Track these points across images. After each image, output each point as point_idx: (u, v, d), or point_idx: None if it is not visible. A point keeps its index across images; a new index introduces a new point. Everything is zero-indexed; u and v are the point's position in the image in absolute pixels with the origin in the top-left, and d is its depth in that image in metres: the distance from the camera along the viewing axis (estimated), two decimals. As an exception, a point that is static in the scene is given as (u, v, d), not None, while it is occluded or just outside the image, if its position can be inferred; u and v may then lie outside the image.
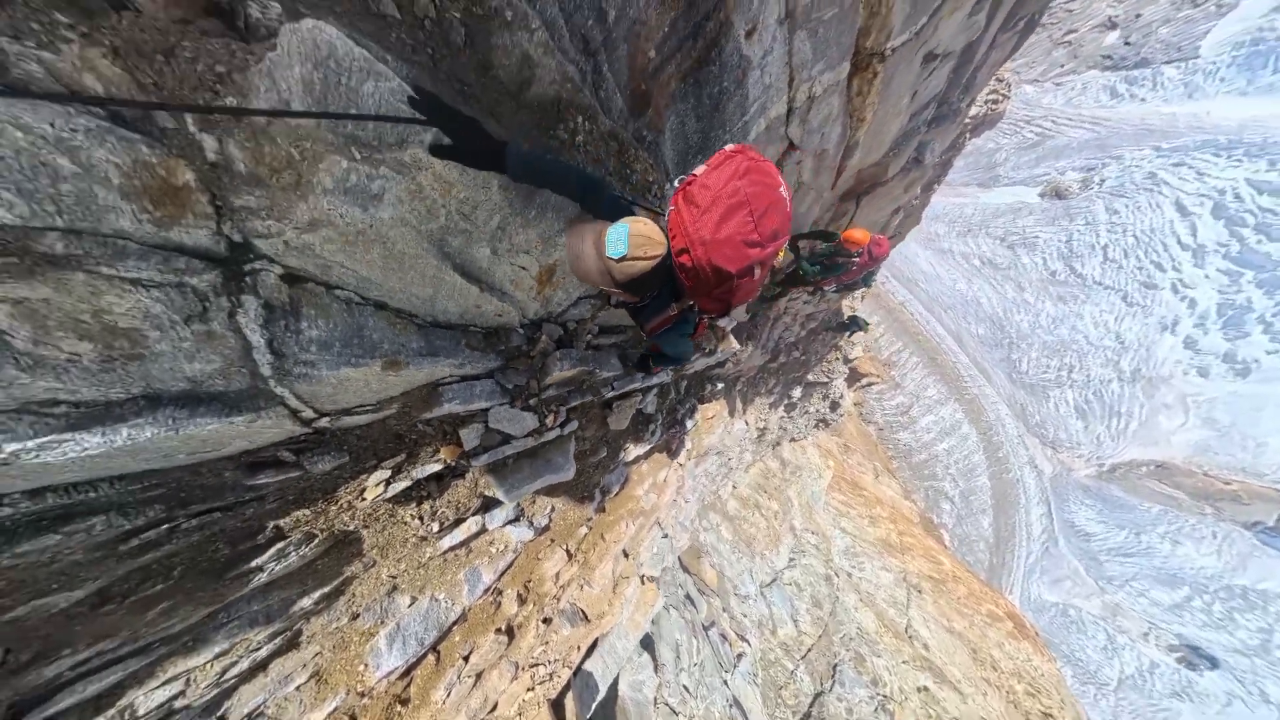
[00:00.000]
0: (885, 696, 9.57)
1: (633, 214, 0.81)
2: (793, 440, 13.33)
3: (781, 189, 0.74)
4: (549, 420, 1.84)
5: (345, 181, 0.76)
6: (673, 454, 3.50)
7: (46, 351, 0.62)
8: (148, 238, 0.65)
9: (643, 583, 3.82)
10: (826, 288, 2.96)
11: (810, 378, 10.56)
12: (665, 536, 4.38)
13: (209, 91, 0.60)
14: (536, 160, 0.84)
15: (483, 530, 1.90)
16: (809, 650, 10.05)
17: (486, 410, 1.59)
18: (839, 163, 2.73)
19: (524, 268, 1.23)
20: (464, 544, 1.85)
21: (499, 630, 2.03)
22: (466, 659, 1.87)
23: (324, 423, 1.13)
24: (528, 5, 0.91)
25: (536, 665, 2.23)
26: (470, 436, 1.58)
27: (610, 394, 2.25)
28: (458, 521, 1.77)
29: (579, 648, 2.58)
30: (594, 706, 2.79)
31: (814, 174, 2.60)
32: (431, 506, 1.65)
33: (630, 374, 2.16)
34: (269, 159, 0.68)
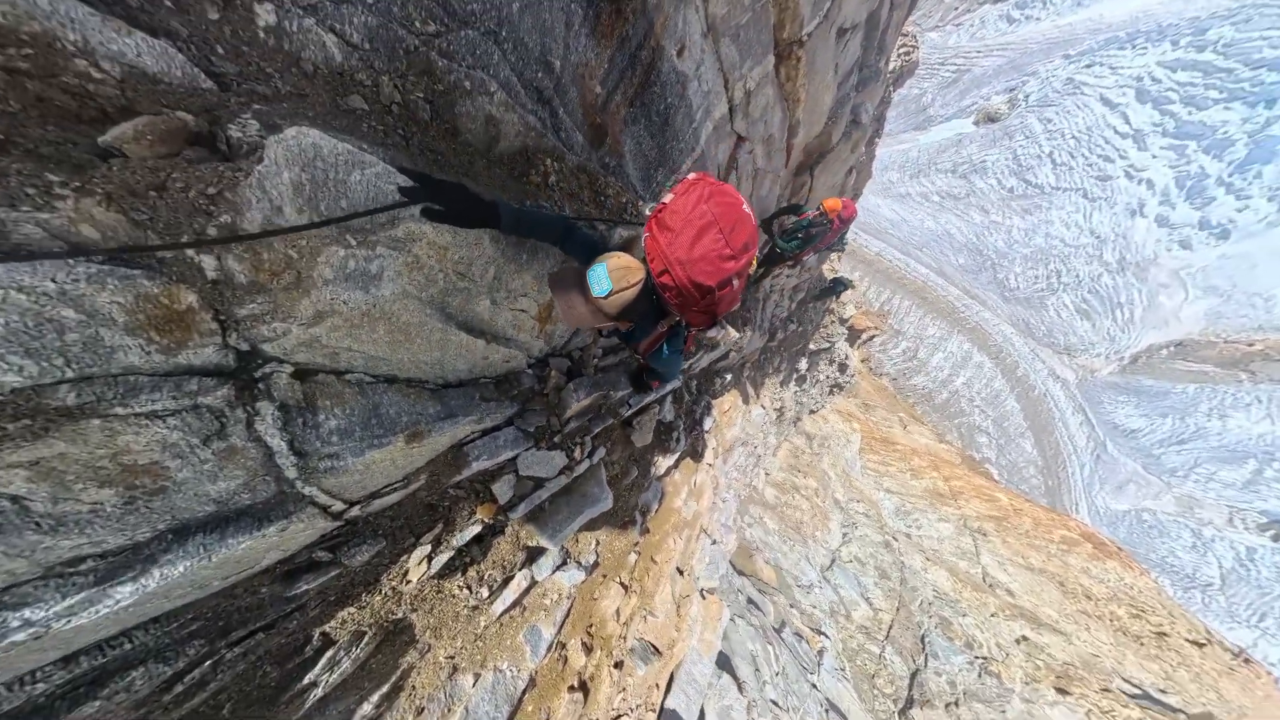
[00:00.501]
0: (984, 658, 8.94)
1: (606, 249, 0.87)
2: (812, 413, 13.14)
3: (744, 205, 0.81)
4: (577, 454, 1.80)
5: (344, 269, 0.78)
6: (698, 456, 3.42)
7: (68, 507, 0.60)
8: (157, 367, 0.65)
9: (704, 598, 3.62)
10: (806, 259, 3.04)
11: (812, 346, 10.56)
12: (714, 543, 4.20)
13: (203, 215, 0.62)
14: (524, 212, 0.88)
15: (533, 584, 1.81)
16: (890, 627, 9.47)
17: (514, 458, 1.55)
18: (787, 142, 2.96)
19: (523, 310, 1.25)
20: (517, 603, 1.76)
21: (572, 688, 1.90)
22: (546, 729, 1.74)
23: (355, 512, 1.09)
24: (483, 73, 0.98)
25: (619, 717, 2.07)
26: (503, 489, 1.53)
27: (628, 412, 2.23)
28: (506, 581, 1.69)
29: (657, 686, 2.41)
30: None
31: (767, 159, 2.80)
32: (478, 572, 1.58)
33: (639, 392, 2.14)
34: (268, 265, 0.69)
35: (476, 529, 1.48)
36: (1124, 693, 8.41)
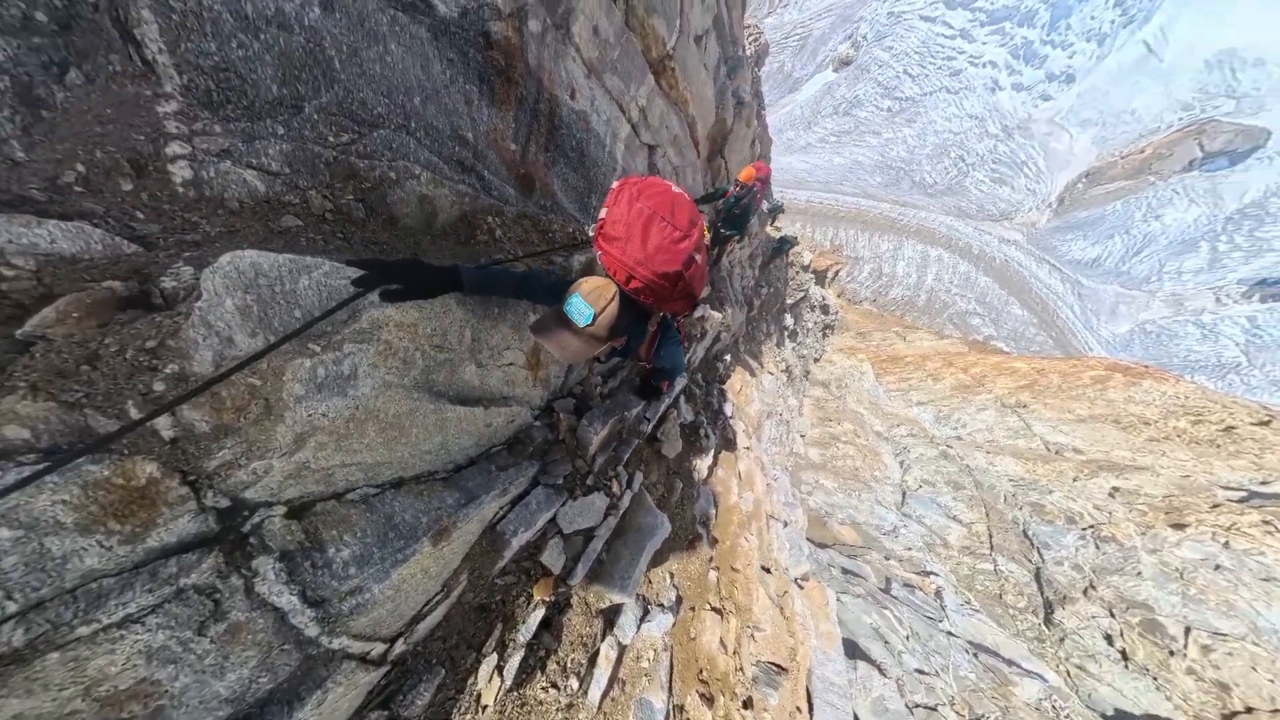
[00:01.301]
0: (1091, 526, 8.53)
1: (569, 283, 0.89)
2: (816, 361, 13.26)
3: (673, 188, 0.84)
4: (615, 488, 1.68)
5: (315, 380, 0.72)
6: (732, 445, 3.31)
7: None
8: (124, 562, 0.56)
9: (800, 587, 3.33)
10: (750, 231, 3.26)
11: (789, 301, 10.87)
12: (785, 525, 3.95)
13: (146, 371, 0.57)
14: (483, 270, 0.88)
15: (621, 651, 1.60)
16: (990, 537, 8.99)
17: (553, 518, 1.43)
18: (692, 137, 3.38)
19: (511, 364, 1.21)
20: (613, 680, 1.54)
21: (711, 752, 1.63)
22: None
23: (400, 647, 0.95)
24: (405, 161, 1.02)
25: None
26: (553, 556, 1.39)
27: (650, 426, 2.14)
28: (592, 660, 1.49)
29: (798, 709, 2.11)
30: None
31: (680, 156, 3.15)
32: (558, 662, 1.38)
33: (651, 400, 2.09)
34: (231, 402, 0.63)
35: (540, 613, 1.32)
36: (1231, 501, 8.17)
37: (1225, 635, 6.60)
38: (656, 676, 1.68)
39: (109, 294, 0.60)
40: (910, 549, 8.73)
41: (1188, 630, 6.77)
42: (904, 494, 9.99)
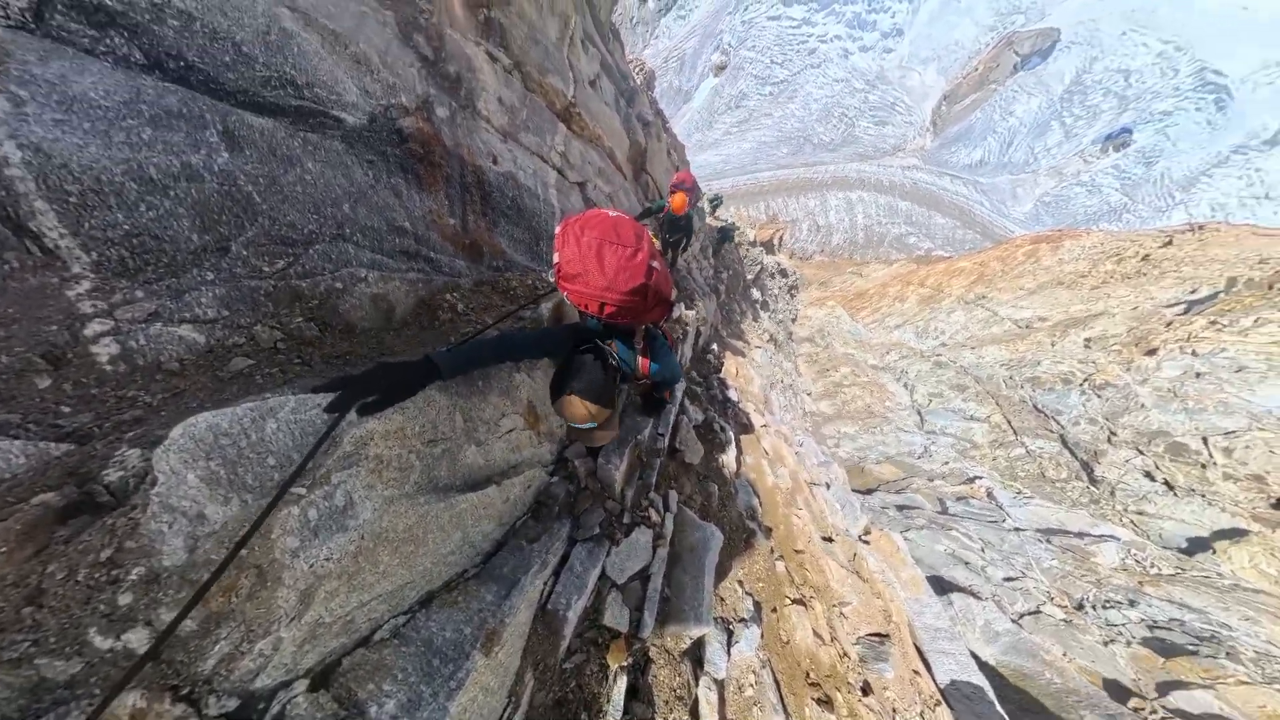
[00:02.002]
0: (1085, 379, 9.07)
1: (545, 329, 0.91)
2: (794, 320, 13.82)
3: (610, 211, 0.91)
4: (654, 516, 1.61)
5: (308, 525, 0.66)
6: (750, 428, 3.32)
7: None
8: None
9: (867, 543, 3.25)
10: (696, 230, 3.55)
11: (749, 277, 11.43)
12: (827, 486, 3.91)
13: (108, 587, 0.49)
14: (457, 350, 0.86)
15: (721, 687, 1.46)
16: (1008, 423, 9.32)
17: (602, 573, 1.33)
18: (614, 165, 3.68)
19: (511, 429, 1.17)
20: None
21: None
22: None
23: None
24: (348, 269, 1.00)
25: None
26: (615, 614, 1.28)
27: (666, 441, 2.10)
28: (694, 708, 1.34)
29: (914, 671, 1.99)
30: (992, 699, 2.08)
31: (609, 183, 3.42)
32: (661, 727, 1.24)
33: (657, 413, 2.07)
34: (219, 583, 0.55)
35: (623, 683, 1.19)
36: (1178, 315, 9.05)
37: (1234, 431, 7.04)
38: (766, 700, 1.54)
39: (41, 511, 0.53)
40: (947, 463, 8.84)
41: (1205, 440, 7.17)
42: (920, 414, 10.25)
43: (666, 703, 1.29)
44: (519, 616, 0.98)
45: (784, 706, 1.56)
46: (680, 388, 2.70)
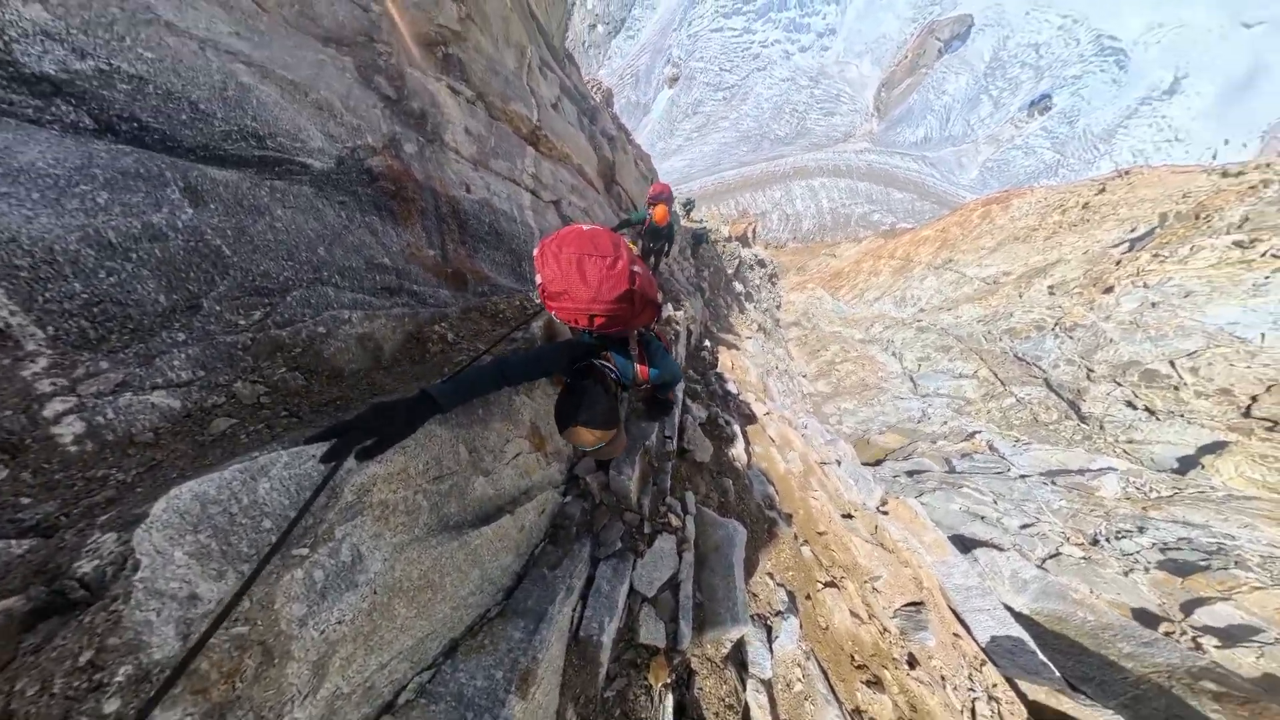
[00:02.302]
0: (1056, 323, 9.56)
1: (541, 348, 0.92)
2: (779, 308, 14.19)
3: (584, 225, 0.92)
4: (674, 520, 1.57)
5: (314, 587, 0.61)
6: (753, 418, 3.34)
7: None
8: None
9: (885, 513, 3.26)
10: (675, 236, 3.71)
11: (730, 271, 11.72)
12: (839, 464, 3.94)
13: (89, 694, 0.43)
14: (454, 381, 0.83)
15: (769, 685, 1.42)
16: (995, 376, 9.70)
17: (631, 589, 1.28)
18: (586, 180, 3.79)
19: (518, 453, 1.13)
20: None
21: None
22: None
23: None
24: (329, 312, 0.96)
25: (958, 690, 1.60)
26: (651, 630, 1.23)
27: (674, 443, 2.08)
28: (745, 715, 1.29)
29: (955, 635, 1.98)
30: (1034, 649, 2.08)
31: (582, 199, 3.50)
32: (716, 742, 1.18)
33: (661, 417, 2.06)
34: (216, 672, 0.50)
35: (669, 701, 1.13)
36: (1124, 254, 9.76)
37: (1195, 351, 7.54)
38: (816, 693, 1.49)
39: (3, 620, 0.46)
40: (945, 422, 9.10)
41: (1172, 363, 7.63)
42: (912, 379, 10.57)
43: (717, 714, 1.23)
44: (551, 650, 0.93)
45: (835, 696, 1.52)
46: (680, 388, 2.70)
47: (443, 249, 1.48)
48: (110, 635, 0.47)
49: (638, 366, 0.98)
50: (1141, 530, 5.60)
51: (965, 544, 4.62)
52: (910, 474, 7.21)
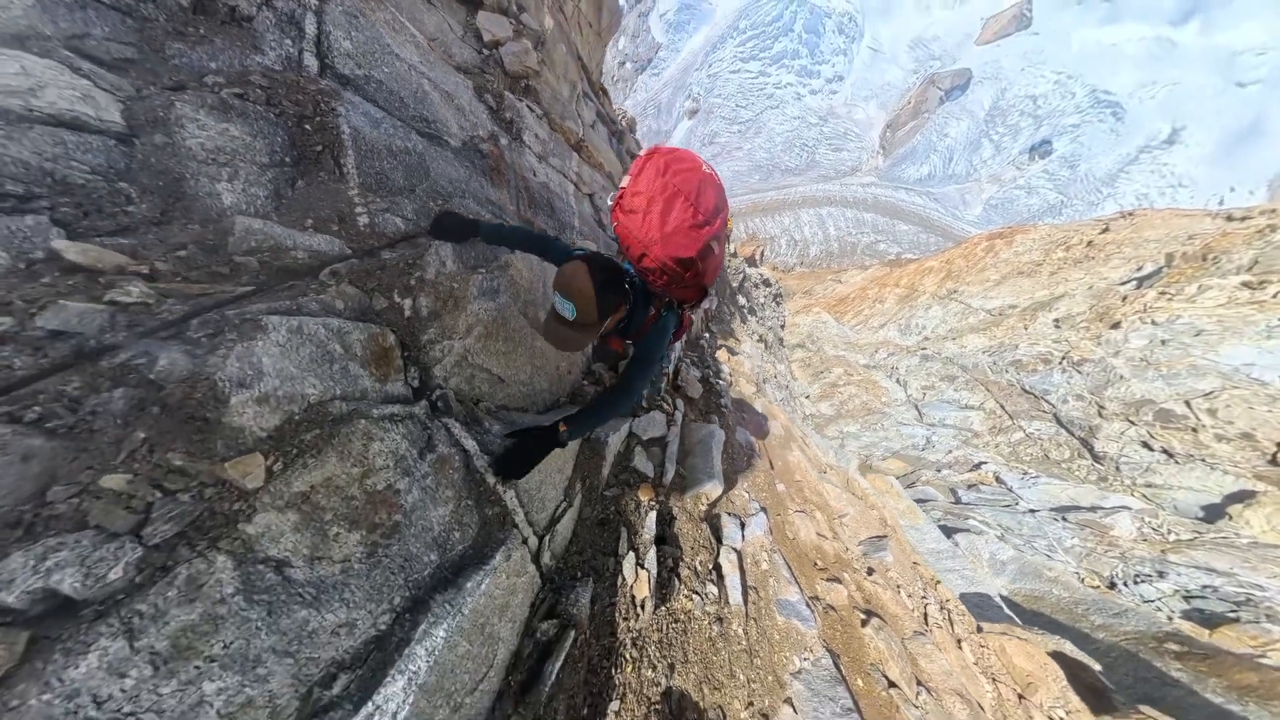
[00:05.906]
0: (1063, 358, 9.49)
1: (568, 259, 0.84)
2: (783, 328, 14.52)
3: (704, 167, 0.77)
4: (667, 407, 1.95)
5: (481, 288, 1.21)
6: (761, 433, 3.40)
7: (323, 570, 0.65)
8: (377, 394, 0.85)
9: (864, 477, 3.34)
10: None
11: (734, 285, 12.33)
12: (841, 444, 4.10)
13: (405, 274, 1.03)
14: (502, 228, 1.09)
15: (740, 556, 1.67)
16: (1002, 408, 9.54)
17: (630, 431, 1.66)
18: (613, 184, 4.66)
19: (557, 367, 1.61)
20: (746, 586, 1.58)
21: (863, 622, 1.64)
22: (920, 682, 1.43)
23: (547, 560, 1.10)
24: (468, 207, 1.51)
25: (912, 597, 1.75)
26: (642, 463, 1.58)
27: (668, 380, 2.45)
28: (718, 569, 1.55)
29: (915, 562, 2.13)
30: (999, 604, 2.18)
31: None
32: (689, 568, 1.45)
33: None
34: (442, 295, 1.06)
35: (654, 514, 1.44)
36: (1130, 290, 9.84)
37: (1211, 392, 7.35)
38: (780, 574, 1.72)
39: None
40: (950, 452, 8.86)
41: (1188, 403, 7.43)
42: (917, 407, 10.46)
43: (692, 549, 1.52)
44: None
45: (797, 585, 1.73)
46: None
47: (518, 207, 2.13)
48: (416, 262, 1.04)
49: (644, 324, 0.89)
50: (1161, 575, 5.22)
51: (947, 533, 4.52)
52: (916, 500, 7.02)
